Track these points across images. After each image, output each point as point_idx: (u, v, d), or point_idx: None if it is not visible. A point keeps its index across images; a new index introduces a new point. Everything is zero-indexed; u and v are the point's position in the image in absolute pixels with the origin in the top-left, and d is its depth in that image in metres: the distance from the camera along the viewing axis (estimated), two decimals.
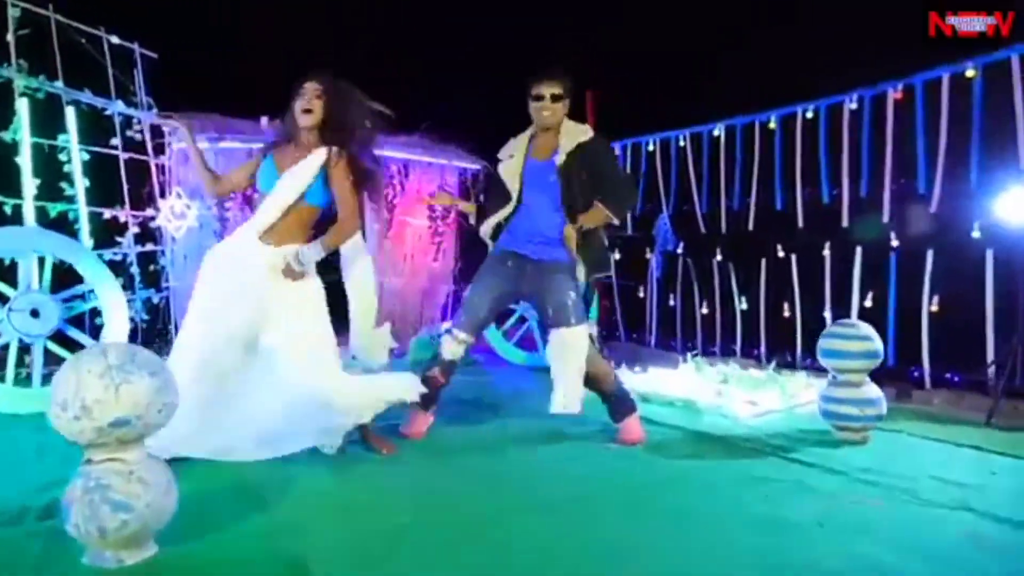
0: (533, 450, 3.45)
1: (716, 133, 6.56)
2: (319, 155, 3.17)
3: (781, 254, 6.07)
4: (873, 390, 3.57)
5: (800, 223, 5.93)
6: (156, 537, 2.18)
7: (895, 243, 5.32)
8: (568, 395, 3.47)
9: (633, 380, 5.00)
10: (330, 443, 3.14)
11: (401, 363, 6.33)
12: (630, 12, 8.04)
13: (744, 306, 6.43)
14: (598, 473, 3.08)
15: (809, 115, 5.82)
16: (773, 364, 5.31)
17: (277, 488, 2.77)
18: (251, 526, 2.40)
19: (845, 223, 5.64)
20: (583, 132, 3.58)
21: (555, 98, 3.50)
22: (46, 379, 4.17)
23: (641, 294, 7.53)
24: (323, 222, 3.36)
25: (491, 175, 3.82)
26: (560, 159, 3.50)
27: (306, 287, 3.20)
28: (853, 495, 2.68)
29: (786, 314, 6.04)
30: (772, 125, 6.08)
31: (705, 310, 6.81)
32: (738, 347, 6.47)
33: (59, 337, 4.42)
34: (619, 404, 3.66)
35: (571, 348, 3.47)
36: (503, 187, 3.63)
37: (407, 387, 3.26)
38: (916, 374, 5.08)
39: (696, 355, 5.77)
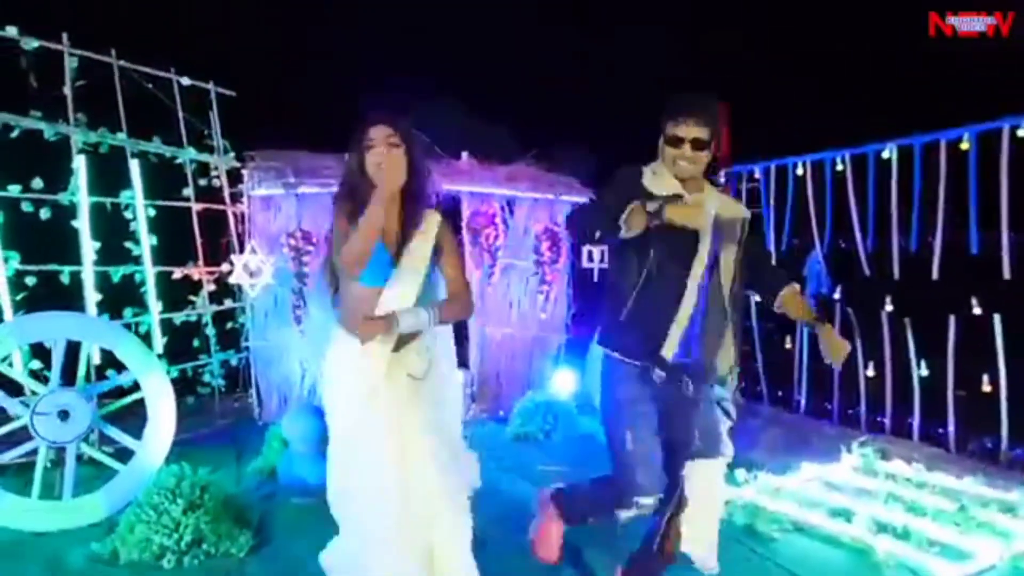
0: None
1: (886, 155, 5.26)
2: (432, 226, 2.42)
3: (978, 311, 4.73)
4: None
5: (1007, 272, 4.56)
6: None
7: None
8: (707, 545, 2.56)
9: (781, 490, 3.89)
10: None
11: (501, 431, 5.52)
12: (773, 7, 6.88)
13: (925, 372, 5.11)
14: None
15: (1021, 132, 4.46)
16: (978, 475, 4.01)
17: None
18: None
19: None
20: (738, 208, 2.62)
21: (698, 145, 2.46)
22: (79, 490, 3.62)
23: (788, 345, 6.30)
24: None
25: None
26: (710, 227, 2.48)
27: (444, 385, 2.52)
28: None
29: (986, 388, 4.70)
30: (965, 145, 4.74)
31: (871, 372, 5.52)
32: (916, 424, 5.15)
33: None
34: (644, 559, 2.65)
35: (719, 486, 2.63)
36: (671, 244, 2.44)
37: None
38: None
39: (864, 443, 4.54)
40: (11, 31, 4.21)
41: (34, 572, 3.01)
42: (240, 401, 5.73)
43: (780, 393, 6.45)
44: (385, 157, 2.27)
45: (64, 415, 3.52)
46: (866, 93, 6.06)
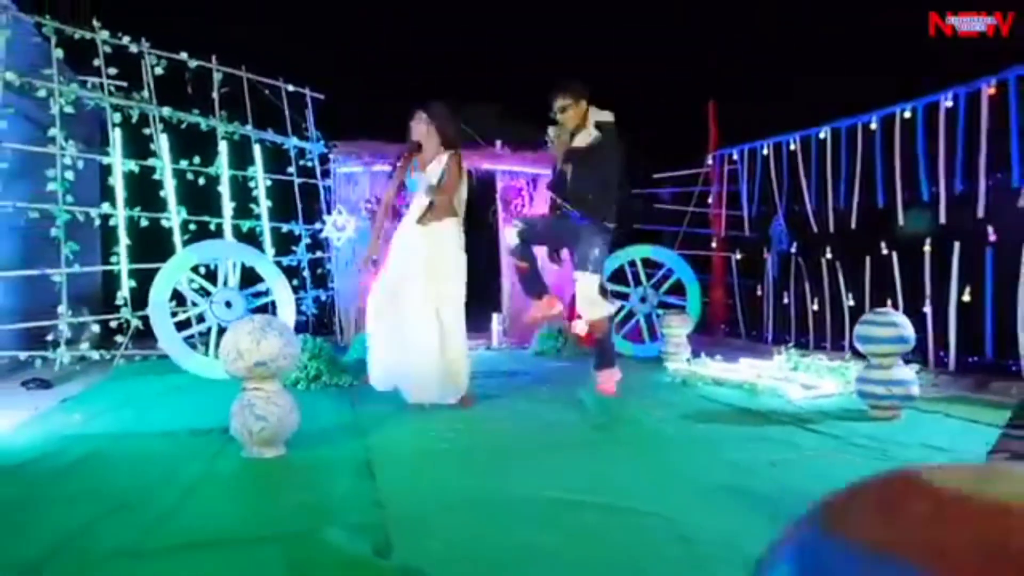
0: (578, 409, 4.18)
1: (822, 136, 6.80)
2: (443, 156, 4.31)
3: (885, 251, 6.22)
4: (903, 372, 3.89)
5: (900, 220, 6.07)
6: (286, 443, 3.21)
7: (992, 238, 5.38)
8: (582, 324, 4.62)
9: (713, 367, 5.49)
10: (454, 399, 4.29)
11: (525, 352, 7.22)
12: (744, 28, 8.46)
13: (851, 303, 6.61)
14: (631, 430, 3.72)
15: (907, 114, 5.96)
16: (848, 354, 5.56)
17: (375, 421, 3.74)
18: (349, 445, 3.37)
19: (943, 219, 5.73)
20: (605, 115, 4.47)
21: (562, 109, 4.44)
22: None
23: (759, 292, 7.85)
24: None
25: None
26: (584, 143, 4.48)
27: (459, 259, 4.33)
28: (832, 451, 3.14)
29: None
30: (873, 126, 6.26)
31: (816, 307, 7.03)
32: (847, 343, 6.65)
33: None
34: (601, 356, 4.61)
35: (583, 289, 4.46)
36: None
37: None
38: (1015, 368, 5.13)
39: (791, 347, 6.08)
40: (183, 55, 6.09)
41: (211, 398, 4.67)
42: (326, 332, 7.51)
43: (754, 332, 8.00)
44: (415, 126, 4.22)
45: (228, 304, 5.35)
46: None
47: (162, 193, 5.99)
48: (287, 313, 5.56)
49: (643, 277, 6.93)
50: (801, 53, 7.63)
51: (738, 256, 8.10)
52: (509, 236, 4.69)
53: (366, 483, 2.76)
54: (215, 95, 6.33)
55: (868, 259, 6.40)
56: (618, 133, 4.53)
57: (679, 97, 8.90)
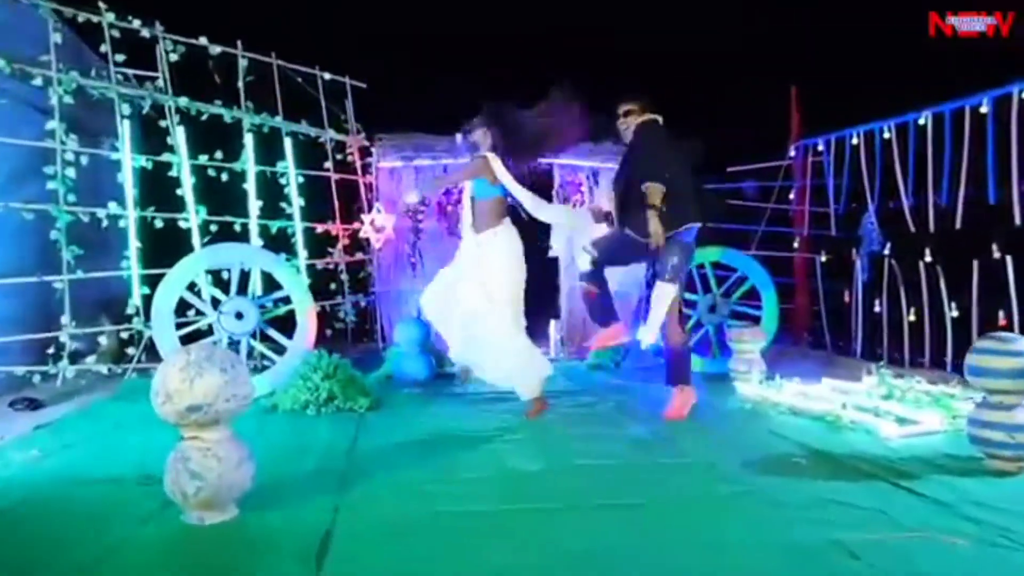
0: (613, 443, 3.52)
1: (922, 122, 5.86)
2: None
3: (996, 255, 5.27)
4: None
5: (1017, 219, 5.10)
6: (239, 502, 2.63)
7: None
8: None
9: (789, 391, 4.69)
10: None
11: (579, 366, 6.54)
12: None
13: (955, 313, 5.66)
14: (672, 483, 3.03)
15: None
16: (953, 377, 4.66)
17: (370, 464, 3.16)
18: (317, 505, 2.75)
19: None
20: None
21: (626, 114, 4.33)
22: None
23: (847, 299, 6.94)
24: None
25: None
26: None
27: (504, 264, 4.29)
28: (936, 531, 2.37)
29: (1002, 322, 5.23)
30: (984, 109, 5.31)
31: (913, 317, 6.09)
32: (948, 360, 5.71)
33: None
34: (672, 370, 4.35)
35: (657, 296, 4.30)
36: None
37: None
38: None
39: (882, 366, 5.21)
40: (202, 40, 5.68)
41: None
42: (367, 341, 7.01)
43: (841, 344, 7.08)
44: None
45: (239, 316, 4.89)
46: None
47: (179, 191, 5.60)
48: (309, 325, 5.06)
49: (713, 283, 6.14)
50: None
51: (823, 258, 7.20)
52: (580, 262, 4.42)
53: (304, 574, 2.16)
54: (240, 84, 5.89)
55: (976, 263, 5.45)
56: (658, 128, 4.32)
57: (758, 82, 8.01)
